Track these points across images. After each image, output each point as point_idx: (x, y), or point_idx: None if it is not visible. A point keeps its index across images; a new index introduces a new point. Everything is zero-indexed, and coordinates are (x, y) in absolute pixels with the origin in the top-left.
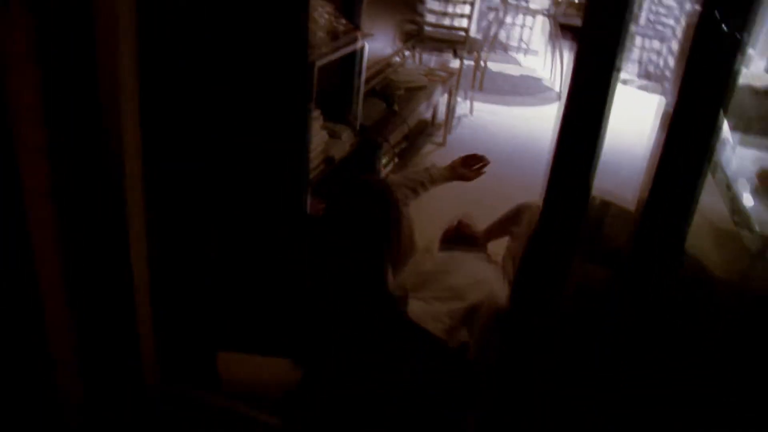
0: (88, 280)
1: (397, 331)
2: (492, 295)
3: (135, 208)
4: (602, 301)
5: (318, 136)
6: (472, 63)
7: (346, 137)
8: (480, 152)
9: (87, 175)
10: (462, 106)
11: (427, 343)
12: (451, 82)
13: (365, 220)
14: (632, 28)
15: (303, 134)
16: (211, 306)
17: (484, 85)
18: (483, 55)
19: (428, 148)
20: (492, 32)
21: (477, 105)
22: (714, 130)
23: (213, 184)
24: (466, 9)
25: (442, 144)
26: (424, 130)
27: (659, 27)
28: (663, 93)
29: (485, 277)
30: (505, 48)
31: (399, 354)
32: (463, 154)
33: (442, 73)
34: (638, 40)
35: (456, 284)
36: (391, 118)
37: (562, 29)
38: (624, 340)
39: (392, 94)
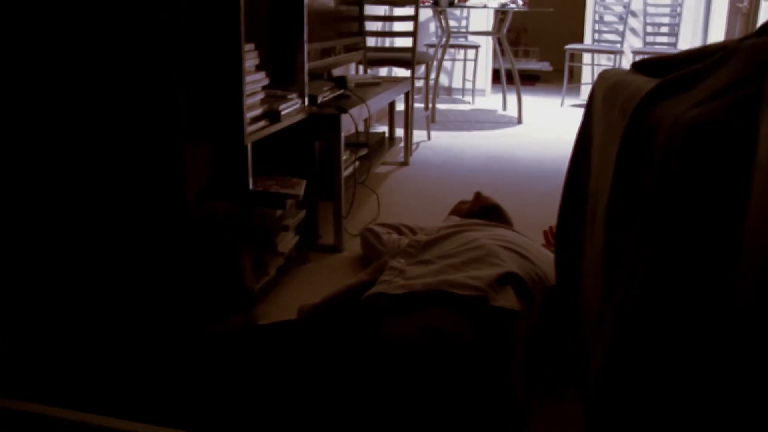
0: None
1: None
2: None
3: None
4: None
5: (254, 78)
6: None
7: (295, 101)
8: (448, 169)
9: None
10: (418, 135)
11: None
12: (406, 85)
13: None
14: None
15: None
16: None
17: (436, 118)
18: (432, 73)
19: (390, 167)
20: (433, 75)
21: (433, 134)
22: None
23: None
24: (410, 26)
25: (405, 163)
26: (382, 145)
27: None
28: None
29: (520, 240)
30: (449, 92)
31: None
32: (428, 172)
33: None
34: None
35: (473, 237)
36: (347, 97)
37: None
38: None
39: (342, 80)
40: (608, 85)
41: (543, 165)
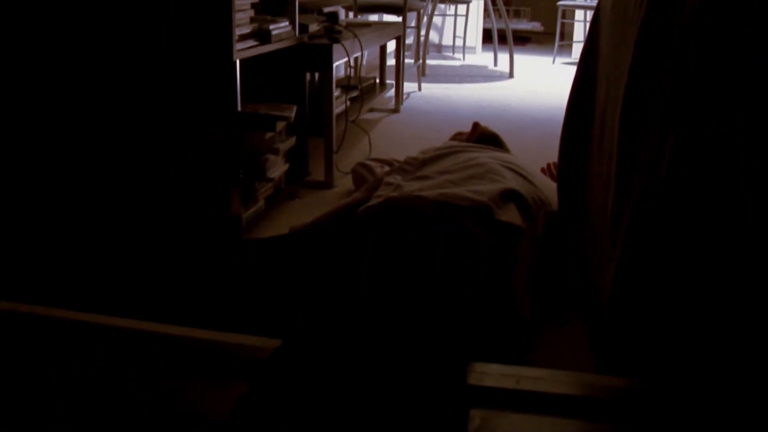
0: None
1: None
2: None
3: None
4: None
5: None
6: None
7: (286, 26)
8: (440, 116)
9: None
10: (408, 87)
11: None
12: (398, 29)
13: None
14: None
15: None
16: None
17: (426, 72)
18: (422, 27)
19: (381, 114)
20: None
21: (424, 86)
22: None
23: None
24: None
25: (396, 110)
26: (373, 89)
27: None
28: None
29: (521, 163)
30: (439, 49)
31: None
32: (420, 118)
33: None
34: None
35: (473, 156)
36: (338, 32)
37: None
38: None
39: (334, 15)
40: None
41: (536, 114)
